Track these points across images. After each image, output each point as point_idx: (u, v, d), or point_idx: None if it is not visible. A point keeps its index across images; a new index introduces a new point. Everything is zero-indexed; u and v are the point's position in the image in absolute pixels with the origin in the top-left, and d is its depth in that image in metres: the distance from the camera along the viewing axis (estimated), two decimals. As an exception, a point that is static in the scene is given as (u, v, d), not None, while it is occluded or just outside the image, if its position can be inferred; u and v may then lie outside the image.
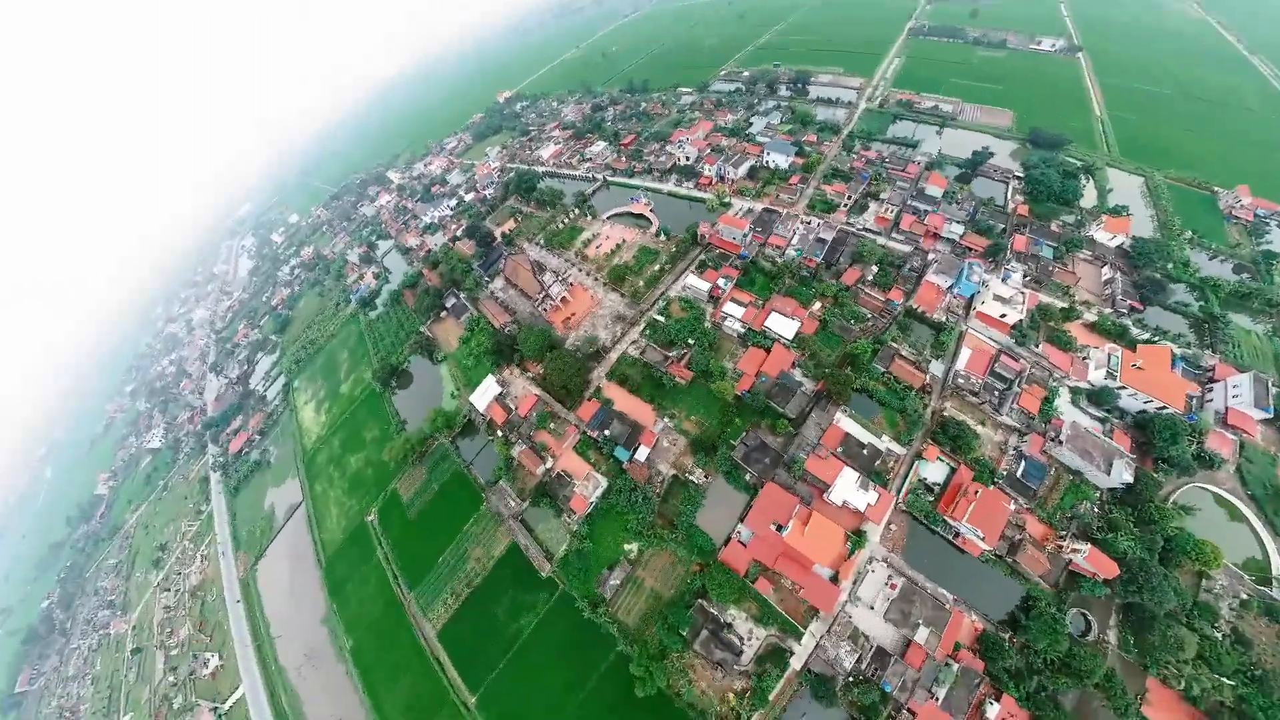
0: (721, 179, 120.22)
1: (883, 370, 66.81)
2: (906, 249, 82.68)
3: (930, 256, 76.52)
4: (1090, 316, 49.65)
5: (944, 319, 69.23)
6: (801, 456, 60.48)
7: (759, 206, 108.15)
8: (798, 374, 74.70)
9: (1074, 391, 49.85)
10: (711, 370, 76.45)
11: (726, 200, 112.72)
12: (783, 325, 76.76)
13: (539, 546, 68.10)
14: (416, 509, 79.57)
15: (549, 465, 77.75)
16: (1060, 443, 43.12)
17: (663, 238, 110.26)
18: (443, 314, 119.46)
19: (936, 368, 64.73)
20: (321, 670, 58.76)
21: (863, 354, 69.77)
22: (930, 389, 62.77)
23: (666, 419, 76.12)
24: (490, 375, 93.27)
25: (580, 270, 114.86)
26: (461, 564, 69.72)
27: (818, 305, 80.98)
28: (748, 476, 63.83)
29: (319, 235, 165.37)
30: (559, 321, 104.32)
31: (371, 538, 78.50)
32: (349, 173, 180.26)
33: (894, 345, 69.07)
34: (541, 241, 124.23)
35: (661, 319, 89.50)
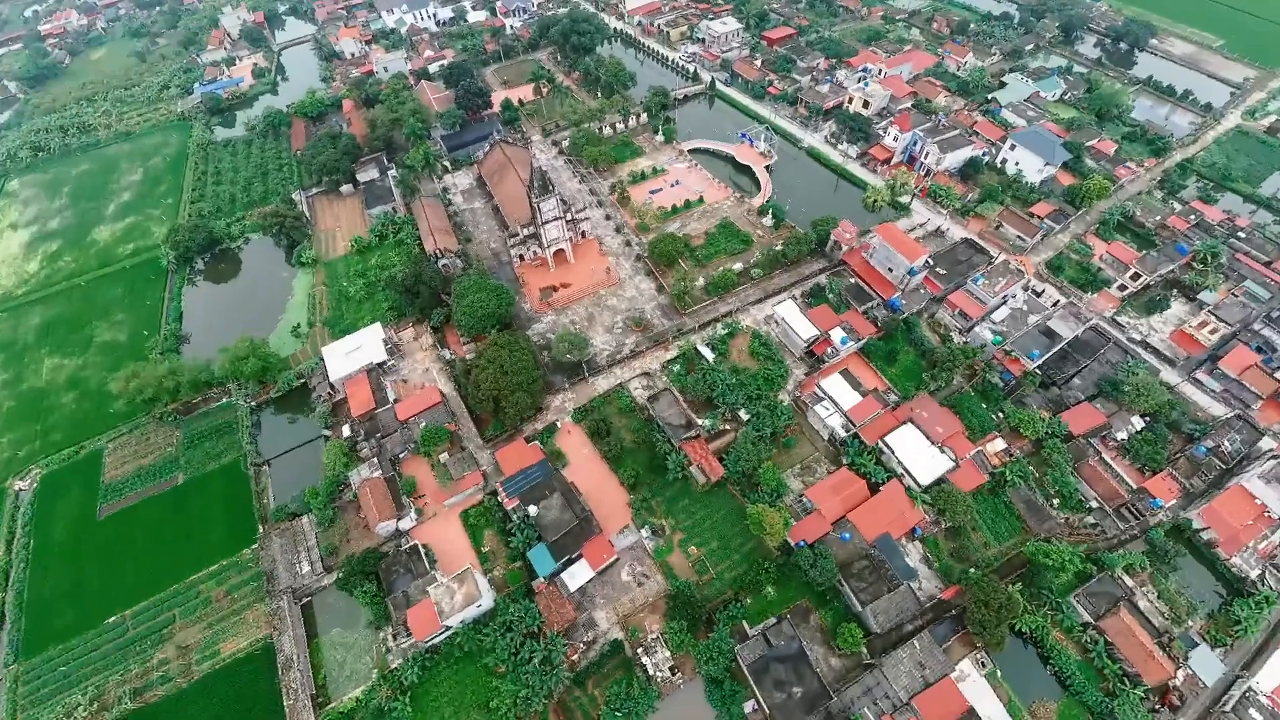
0: (912, 162, 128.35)
1: (1089, 621, 64.40)
2: (1222, 411, 78.32)
3: (1273, 446, 71.10)
4: None
5: (1258, 575, 64.83)
6: (866, 720, 59.63)
7: (956, 230, 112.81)
8: (914, 554, 74.37)
9: None
10: (761, 480, 76.39)
11: (905, 200, 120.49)
12: (919, 454, 77.58)
13: (309, 676, 64.88)
14: (117, 504, 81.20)
15: (405, 524, 79.04)
16: None
17: (768, 220, 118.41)
18: (345, 187, 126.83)
19: (1205, 664, 59.90)
20: None
21: (1056, 569, 67.44)
22: (1182, 701, 58.37)
23: (647, 529, 75.06)
24: (379, 326, 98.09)
25: (609, 218, 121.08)
26: (147, 644, 67.55)
27: (999, 444, 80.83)
28: (749, 709, 60.83)
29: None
30: (535, 288, 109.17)
31: (2, 521, 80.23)
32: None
33: (1126, 580, 66.43)
34: (565, 143, 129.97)
35: (709, 354, 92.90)
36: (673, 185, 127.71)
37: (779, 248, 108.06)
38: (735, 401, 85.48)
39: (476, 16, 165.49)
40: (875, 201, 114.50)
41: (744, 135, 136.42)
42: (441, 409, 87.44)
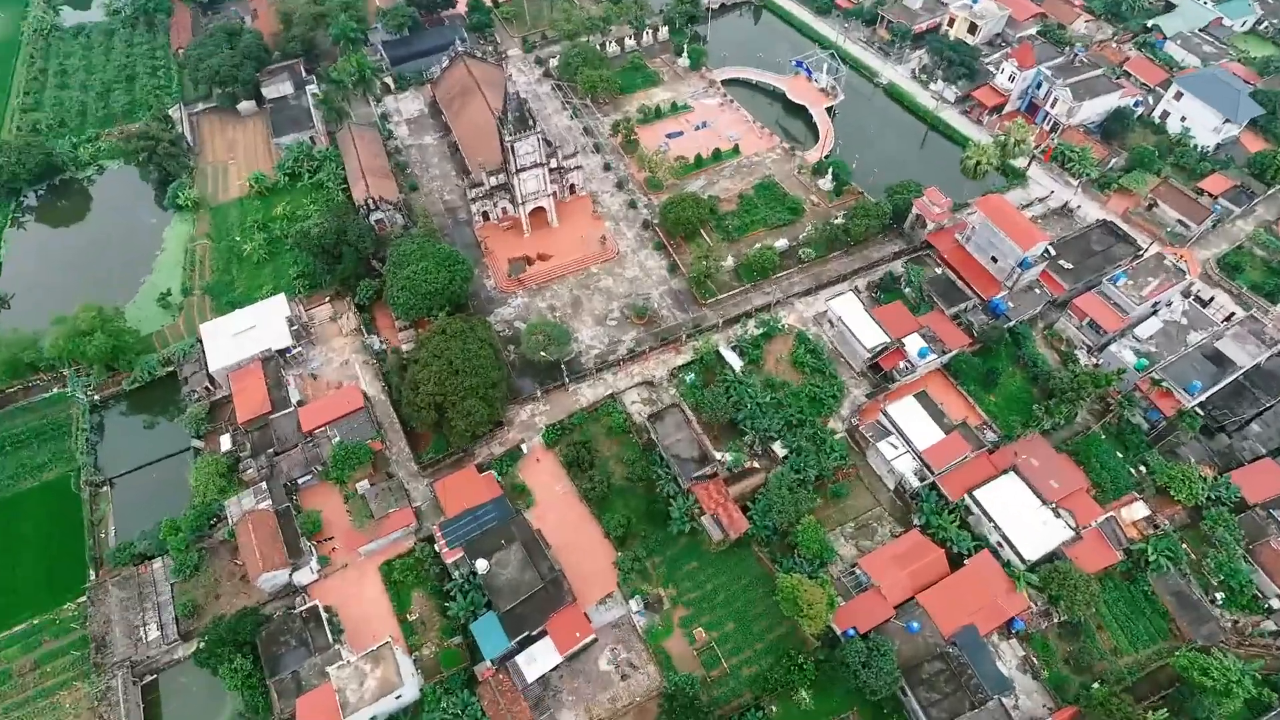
0: (1032, 112, 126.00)
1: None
2: None
3: None
4: None
5: None
6: None
7: (1091, 209, 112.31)
8: (1010, 657, 72.69)
9: None
10: (799, 541, 75.34)
11: (1020, 164, 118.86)
12: (1024, 517, 76.68)
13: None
14: None
15: (301, 576, 78.05)
16: None
17: (826, 181, 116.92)
18: (246, 105, 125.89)
19: None
20: None
21: (1219, 692, 65.84)
22: None
23: (638, 601, 74.32)
24: (283, 300, 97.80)
25: (609, 169, 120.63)
26: None
27: (1140, 510, 79.88)
28: None
29: None
30: (502, 258, 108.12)
31: None
32: None
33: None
34: (554, 62, 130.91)
35: (736, 361, 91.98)
36: (698, 128, 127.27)
37: (839, 221, 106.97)
38: (768, 429, 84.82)
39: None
40: (978, 164, 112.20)
41: (799, 64, 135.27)
42: (363, 418, 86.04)
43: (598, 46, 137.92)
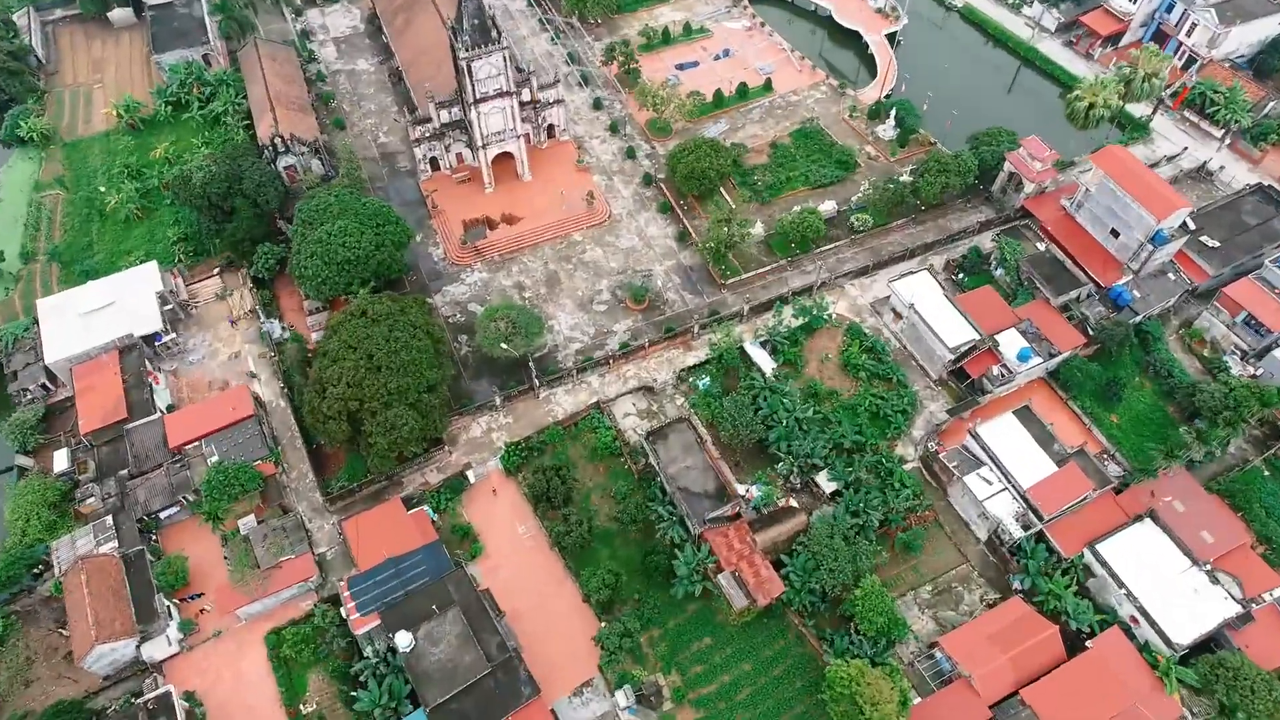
0: (1160, 41, 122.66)
1: None
2: None
3: None
4: None
5: None
6: None
7: (1239, 171, 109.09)
8: None
9: None
10: (856, 611, 71.74)
11: (1142, 110, 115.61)
12: (1168, 582, 72.94)
13: None
14: None
15: (154, 649, 72.50)
16: None
17: (888, 128, 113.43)
18: (119, 13, 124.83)
19: None
20: None
21: None
22: None
23: (628, 694, 69.90)
24: (154, 269, 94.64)
25: (600, 107, 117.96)
26: None
27: None
28: None
29: None
30: (453, 221, 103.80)
31: None
32: None
33: None
34: None
35: (766, 361, 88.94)
36: (718, 57, 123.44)
37: (905, 178, 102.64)
38: (811, 454, 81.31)
39: None
40: (1090, 108, 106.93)
41: None
42: (253, 431, 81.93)
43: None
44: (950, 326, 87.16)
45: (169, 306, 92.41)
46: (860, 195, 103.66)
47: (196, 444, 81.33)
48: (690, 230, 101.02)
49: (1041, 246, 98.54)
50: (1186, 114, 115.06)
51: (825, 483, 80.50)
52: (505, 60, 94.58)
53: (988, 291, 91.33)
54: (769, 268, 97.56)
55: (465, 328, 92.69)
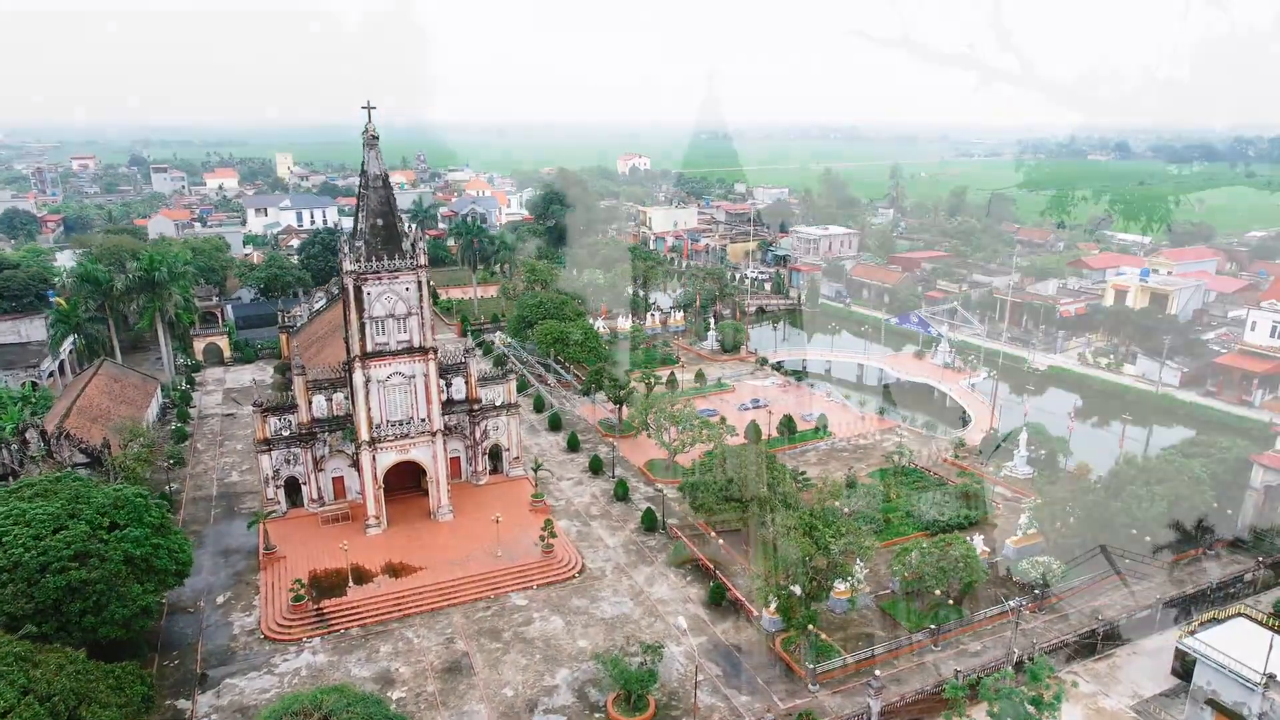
0: None
1: None
2: None
3: None
4: None
5: None
6: None
7: None
8: None
9: None
10: None
11: None
12: None
13: None
14: None
15: None
16: None
17: (1020, 467, 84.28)
18: None
19: None
20: None
21: None
22: None
23: None
24: None
25: (577, 448, 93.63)
26: None
27: None
28: None
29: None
30: (289, 570, 59.67)
31: None
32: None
33: None
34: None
35: None
36: (745, 407, 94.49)
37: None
38: None
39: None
40: None
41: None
42: None
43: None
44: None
45: None
46: (1021, 533, 59.83)
47: None
48: (732, 593, 55.27)
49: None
50: None
51: None
52: (420, 290, 57.43)
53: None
54: (887, 647, 50.50)
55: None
